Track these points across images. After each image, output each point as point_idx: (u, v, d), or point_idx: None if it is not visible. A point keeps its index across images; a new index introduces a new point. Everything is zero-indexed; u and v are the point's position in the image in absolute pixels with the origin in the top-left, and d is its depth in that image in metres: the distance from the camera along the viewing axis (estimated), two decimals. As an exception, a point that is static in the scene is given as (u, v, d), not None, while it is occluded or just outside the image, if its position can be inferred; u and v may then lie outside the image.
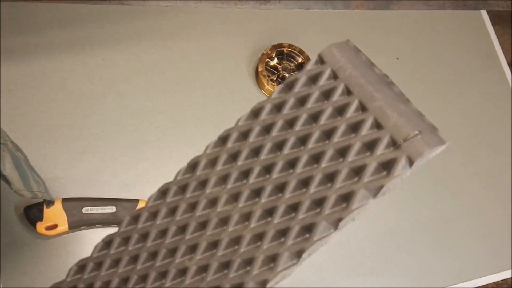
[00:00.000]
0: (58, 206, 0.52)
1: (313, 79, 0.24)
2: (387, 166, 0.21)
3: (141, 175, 0.61)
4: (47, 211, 0.52)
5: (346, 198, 0.22)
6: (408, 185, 0.73)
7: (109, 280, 0.24)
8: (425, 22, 0.88)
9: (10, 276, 0.51)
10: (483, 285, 0.71)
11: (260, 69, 0.69)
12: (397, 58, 0.82)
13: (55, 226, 0.52)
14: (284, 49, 0.72)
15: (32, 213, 0.52)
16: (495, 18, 0.94)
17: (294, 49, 0.72)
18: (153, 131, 0.64)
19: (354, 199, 0.21)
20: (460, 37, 0.89)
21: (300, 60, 0.72)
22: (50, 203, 0.51)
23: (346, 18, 0.82)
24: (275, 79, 0.70)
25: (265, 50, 0.71)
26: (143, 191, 0.59)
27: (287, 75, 0.71)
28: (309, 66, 0.24)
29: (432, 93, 0.82)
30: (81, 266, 0.26)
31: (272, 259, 0.22)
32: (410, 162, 0.20)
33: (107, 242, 0.26)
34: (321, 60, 0.24)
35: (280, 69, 0.71)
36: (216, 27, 0.74)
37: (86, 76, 0.65)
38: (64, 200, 0.53)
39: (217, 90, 0.70)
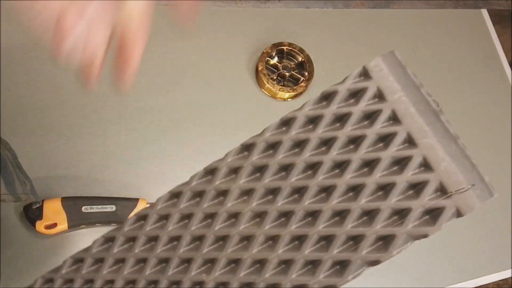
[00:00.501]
0: (57, 205, 0.52)
1: (355, 94, 0.21)
2: (433, 213, 0.20)
3: (141, 174, 0.61)
4: (46, 210, 0.52)
5: (385, 240, 0.21)
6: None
7: (113, 280, 0.23)
8: (425, 21, 0.88)
9: (9, 275, 0.51)
10: (483, 285, 0.70)
11: (260, 68, 0.69)
12: (398, 57, 0.82)
13: (54, 225, 0.52)
14: (284, 48, 0.71)
15: (32, 212, 0.52)
16: (495, 17, 0.94)
17: (294, 48, 0.72)
18: (153, 130, 0.64)
19: (395, 243, 0.20)
20: (461, 36, 0.89)
21: (300, 59, 0.72)
22: (36, 203, 0.51)
23: (346, 17, 0.82)
24: (275, 78, 0.70)
25: (265, 49, 0.71)
26: (143, 190, 0.59)
27: (287, 73, 0.71)
28: (352, 79, 0.22)
29: (432, 92, 0.82)
30: (78, 260, 0.24)
31: None
32: (459, 214, 0.20)
33: (108, 239, 0.24)
34: (365, 73, 0.22)
35: (280, 68, 0.71)
36: (216, 26, 0.74)
37: (86, 74, 0.64)
38: (64, 199, 0.53)
39: (217, 89, 0.70)
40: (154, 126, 0.64)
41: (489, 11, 0.94)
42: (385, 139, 0.21)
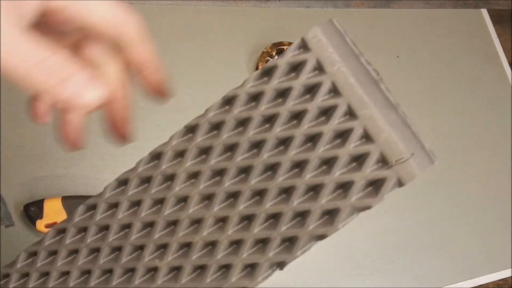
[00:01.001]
0: (58, 204, 0.52)
1: (295, 67, 0.21)
2: (375, 184, 0.20)
3: (141, 173, 0.61)
4: (47, 209, 0.52)
5: (330, 214, 0.20)
6: (408, 185, 0.73)
7: (68, 271, 0.23)
8: (425, 21, 0.88)
9: (9, 275, 0.51)
10: (483, 284, 0.71)
11: (260, 67, 0.69)
12: (398, 57, 0.82)
13: (55, 224, 0.52)
14: (285, 47, 0.71)
15: (32, 211, 0.52)
16: (495, 17, 0.94)
17: (295, 48, 0.72)
18: (153, 130, 0.64)
19: (340, 217, 0.20)
20: (461, 36, 0.89)
21: (300, 58, 0.72)
22: (9, 226, 0.51)
23: (346, 17, 0.82)
24: (275, 77, 0.70)
25: (265, 48, 0.71)
26: (143, 190, 0.59)
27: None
28: (291, 52, 0.21)
29: (432, 92, 0.82)
30: (32, 253, 0.24)
31: (251, 267, 0.21)
32: (400, 183, 0.20)
33: (60, 231, 0.24)
34: (304, 45, 0.21)
35: (281, 67, 0.71)
36: (216, 26, 0.74)
37: (86, 74, 0.64)
38: (64, 198, 0.53)
39: (217, 88, 0.70)
40: (155, 125, 0.64)
41: (489, 11, 0.94)
42: (327, 112, 0.20)
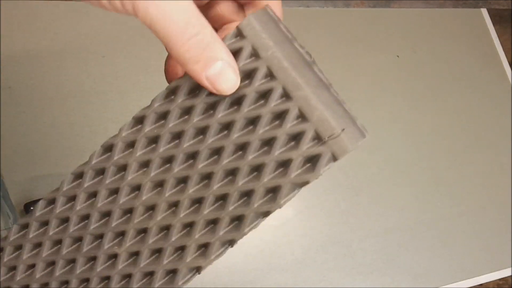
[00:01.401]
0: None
1: (234, 55, 0.22)
2: (312, 161, 0.21)
3: (141, 173, 0.61)
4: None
5: (273, 191, 0.22)
6: (408, 184, 0.73)
7: (33, 264, 0.24)
8: (425, 21, 0.88)
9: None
10: (483, 284, 0.71)
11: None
12: (398, 56, 0.82)
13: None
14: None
15: (32, 210, 0.52)
16: (495, 17, 0.94)
17: (295, 47, 0.72)
18: (153, 129, 0.64)
19: (281, 193, 0.21)
20: (461, 36, 0.89)
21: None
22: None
23: (346, 16, 0.82)
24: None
25: (265, 48, 0.71)
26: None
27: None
28: (228, 40, 0.22)
29: (432, 91, 0.82)
30: None
31: (204, 246, 0.22)
32: (335, 158, 0.21)
33: (23, 226, 0.25)
34: (240, 34, 0.22)
35: (281, 67, 0.71)
36: (216, 25, 0.74)
37: (87, 73, 0.64)
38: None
39: (218, 88, 0.70)
40: (155, 125, 0.64)
41: (489, 11, 0.94)
42: (264, 96, 0.22)
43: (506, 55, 0.91)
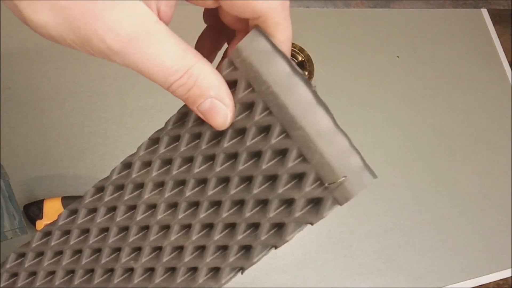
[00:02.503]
0: (58, 204, 0.52)
1: (230, 86, 0.21)
2: (315, 202, 0.20)
3: (141, 173, 0.61)
4: (47, 209, 0.52)
5: (279, 227, 0.21)
6: (408, 184, 0.73)
7: (54, 271, 0.24)
8: (425, 21, 0.88)
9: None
10: (483, 284, 0.71)
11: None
12: (398, 57, 0.82)
13: (55, 225, 0.52)
14: (285, 47, 0.71)
15: (32, 211, 0.52)
16: (495, 17, 0.94)
17: (295, 47, 0.72)
18: (153, 129, 0.64)
19: (287, 230, 0.21)
20: (461, 36, 0.89)
21: (300, 58, 0.72)
22: (23, 234, 0.51)
23: (346, 17, 0.82)
24: (275, 77, 0.70)
25: (265, 49, 0.71)
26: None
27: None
28: (223, 70, 0.21)
29: (432, 91, 0.82)
30: (20, 254, 0.26)
31: (216, 270, 0.22)
32: (338, 203, 0.20)
33: (46, 233, 0.25)
34: (232, 65, 0.21)
35: (281, 67, 0.71)
36: (216, 26, 0.74)
37: (87, 74, 0.64)
38: (64, 198, 0.53)
39: (217, 88, 0.70)
40: (155, 125, 0.64)
41: (489, 11, 0.94)
42: (265, 132, 0.21)
43: (506, 55, 0.91)
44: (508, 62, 0.91)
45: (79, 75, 0.64)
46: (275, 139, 0.20)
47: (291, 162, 0.20)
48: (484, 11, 0.94)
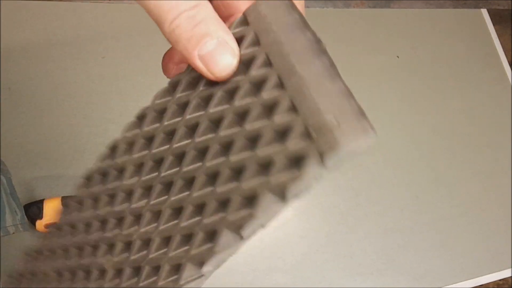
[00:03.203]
0: (58, 204, 0.52)
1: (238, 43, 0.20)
2: (298, 162, 0.17)
3: (141, 173, 0.61)
4: (47, 209, 0.52)
5: (251, 200, 0.18)
6: (408, 185, 0.73)
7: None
8: (425, 21, 0.88)
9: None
10: (483, 284, 0.70)
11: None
12: (398, 57, 0.82)
13: (54, 224, 0.52)
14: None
15: (32, 211, 0.52)
16: (495, 17, 0.94)
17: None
18: (153, 130, 0.64)
19: (259, 203, 0.17)
20: (461, 36, 0.89)
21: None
22: (25, 230, 0.51)
23: (346, 17, 0.82)
24: (275, 77, 0.70)
25: (265, 49, 0.71)
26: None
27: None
28: (232, 28, 0.20)
29: (432, 92, 0.82)
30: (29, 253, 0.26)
31: (177, 269, 0.20)
32: (322, 158, 0.16)
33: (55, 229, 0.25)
34: (245, 21, 0.20)
35: (281, 67, 0.71)
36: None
37: (86, 74, 0.64)
38: (64, 198, 0.53)
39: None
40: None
41: (489, 11, 0.94)
42: (259, 87, 0.19)
43: (506, 55, 0.91)
44: (508, 62, 0.91)
45: (79, 75, 0.64)
46: (267, 91, 0.18)
47: (279, 114, 0.18)
48: (484, 11, 0.94)
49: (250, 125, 0.18)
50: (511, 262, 0.73)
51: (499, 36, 0.92)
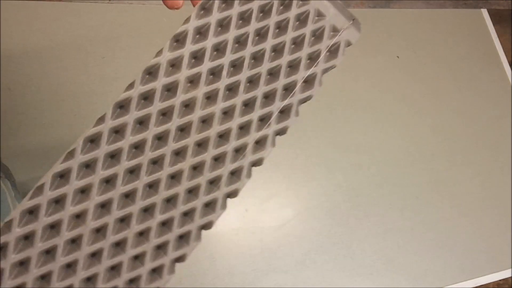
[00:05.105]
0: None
1: None
2: (335, 49, 0.26)
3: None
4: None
5: (307, 81, 0.26)
6: (408, 185, 0.73)
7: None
8: (425, 21, 0.88)
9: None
10: (483, 285, 0.70)
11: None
12: (398, 57, 0.82)
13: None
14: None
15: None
16: (495, 17, 0.94)
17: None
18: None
19: (316, 80, 0.25)
20: (461, 36, 0.89)
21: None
22: None
23: (346, 17, 0.82)
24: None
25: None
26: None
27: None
28: None
29: (432, 92, 0.82)
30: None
31: (235, 171, 0.24)
32: (349, 44, 0.27)
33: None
34: None
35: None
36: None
37: (86, 74, 0.64)
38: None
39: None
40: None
41: (489, 11, 0.94)
42: (287, 5, 0.26)
43: (506, 55, 0.91)
44: (508, 62, 0.91)
45: (79, 75, 0.64)
46: (296, 7, 0.25)
47: (311, 21, 0.26)
48: (484, 11, 0.94)
49: (292, 32, 0.25)
50: (511, 262, 0.73)
51: (499, 36, 0.92)
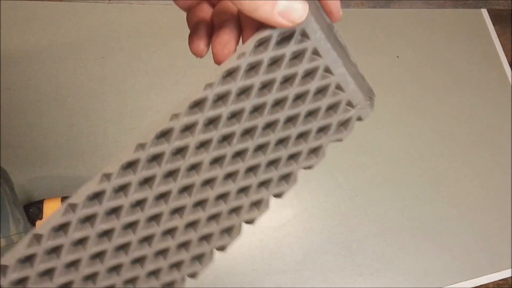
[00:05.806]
0: (57, 205, 0.52)
1: (285, 39, 0.25)
2: (345, 123, 0.27)
3: (141, 173, 0.61)
4: (46, 210, 0.52)
5: (315, 151, 0.27)
6: (408, 185, 0.73)
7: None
8: (425, 21, 0.88)
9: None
10: (483, 285, 0.71)
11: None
12: (398, 57, 0.82)
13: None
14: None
15: (32, 211, 0.52)
16: (495, 17, 0.94)
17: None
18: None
19: (321, 151, 0.26)
20: (461, 36, 0.89)
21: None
22: None
23: (346, 17, 0.82)
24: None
25: (265, 49, 0.71)
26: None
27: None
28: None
29: (432, 91, 0.82)
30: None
31: (258, 203, 0.25)
32: (359, 119, 0.27)
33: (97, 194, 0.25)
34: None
35: (281, 67, 0.71)
36: (216, 26, 0.74)
37: (86, 74, 0.64)
38: (64, 199, 0.53)
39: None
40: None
41: (489, 11, 0.94)
42: (311, 73, 0.26)
43: (506, 55, 0.91)
44: (508, 62, 0.91)
45: (79, 75, 0.64)
46: (319, 77, 0.26)
47: (330, 94, 0.26)
48: (484, 11, 0.94)
49: (309, 102, 0.26)
50: (511, 262, 0.73)
51: (499, 36, 0.92)
